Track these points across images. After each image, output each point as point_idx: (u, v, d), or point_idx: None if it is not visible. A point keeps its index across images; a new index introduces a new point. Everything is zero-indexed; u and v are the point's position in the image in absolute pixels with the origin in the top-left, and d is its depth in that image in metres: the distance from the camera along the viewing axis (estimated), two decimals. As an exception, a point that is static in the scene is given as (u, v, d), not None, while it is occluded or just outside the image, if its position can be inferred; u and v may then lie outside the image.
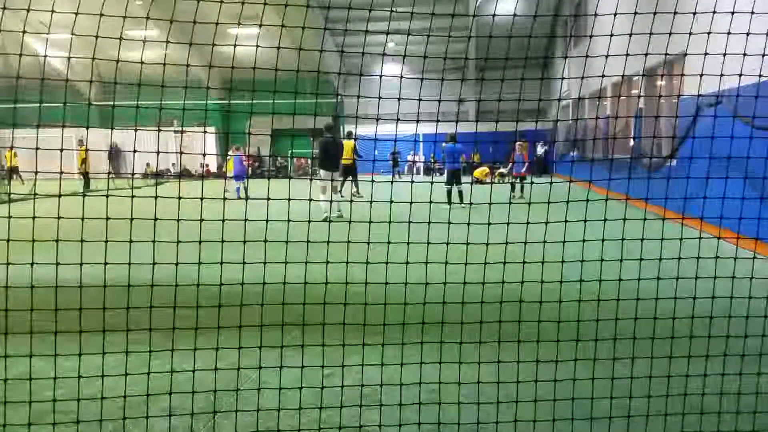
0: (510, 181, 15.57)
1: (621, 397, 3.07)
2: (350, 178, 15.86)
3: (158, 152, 2.95)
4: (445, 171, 14.13)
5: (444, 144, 13.92)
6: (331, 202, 9.88)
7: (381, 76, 3.05)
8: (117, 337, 3.15)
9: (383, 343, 3.08)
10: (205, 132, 3.79)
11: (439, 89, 2.93)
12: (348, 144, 16.08)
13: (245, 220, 2.95)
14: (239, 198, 14.68)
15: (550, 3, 25.11)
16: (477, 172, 22.21)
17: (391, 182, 3.18)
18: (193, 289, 2.98)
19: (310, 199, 2.79)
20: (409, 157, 27.26)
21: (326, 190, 11.24)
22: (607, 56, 2.93)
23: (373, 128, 19.51)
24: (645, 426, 2.90)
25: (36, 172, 2.74)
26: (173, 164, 26.77)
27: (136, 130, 2.88)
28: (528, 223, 2.87)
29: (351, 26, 21.31)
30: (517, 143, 16.26)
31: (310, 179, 3.39)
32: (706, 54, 2.94)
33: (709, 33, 2.95)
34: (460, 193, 13.32)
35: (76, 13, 2.62)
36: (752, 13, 2.97)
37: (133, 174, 3.94)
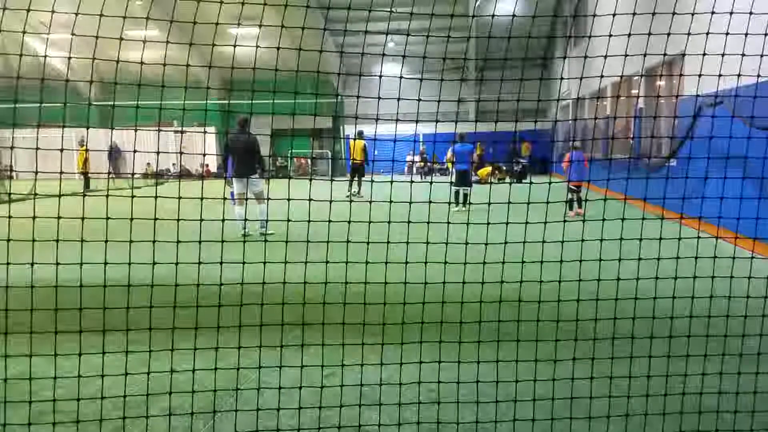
0: (570, 196, 11.84)
1: (619, 396, 3.08)
2: (356, 177, 15.92)
3: (158, 152, 2.96)
4: (454, 171, 13.40)
5: (451, 144, 13.48)
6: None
7: (381, 77, 3.05)
8: (117, 337, 3.16)
9: (382, 343, 3.08)
10: (205, 132, 3.80)
11: (439, 89, 2.93)
12: (358, 144, 16.11)
13: (245, 219, 2.94)
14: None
15: (549, 3, 25.10)
16: (481, 172, 22.28)
17: (391, 182, 3.19)
18: (193, 289, 2.99)
19: (310, 199, 2.79)
20: (408, 157, 27.26)
21: (242, 201, 9.14)
22: (606, 56, 2.93)
23: (372, 128, 19.55)
24: (643, 425, 2.91)
25: (36, 172, 2.75)
26: (173, 164, 26.78)
27: (136, 130, 2.88)
28: (525, 222, 2.88)
29: (351, 26, 21.31)
30: (575, 142, 13.26)
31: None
32: (704, 54, 2.95)
33: (707, 33, 2.96)
34: (465, 195, 13.07)
35: (76, 14, 2.63)
36: (750, 13, 2.97)
37: (133, 174, 3.95)
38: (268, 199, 3.09)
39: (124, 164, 26.25)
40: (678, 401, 2.96)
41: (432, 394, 3.22)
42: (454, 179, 13.02)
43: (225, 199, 3.17)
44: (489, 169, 22.78)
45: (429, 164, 25.60)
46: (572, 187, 11.74)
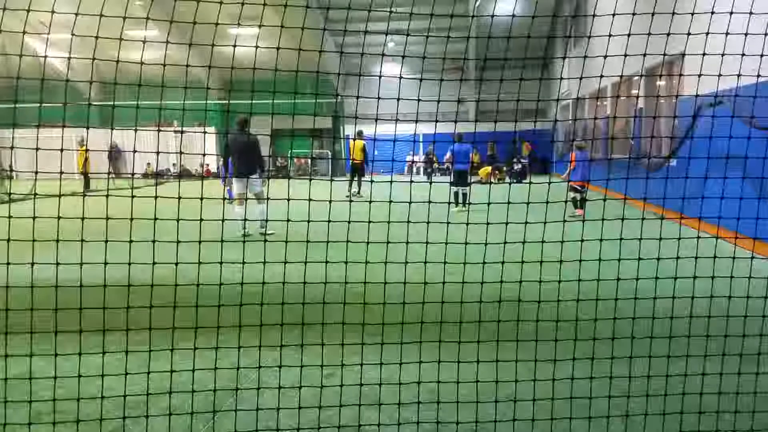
0: (573, 195, 11.75)
1: (619, 396, 3.08)
2: (356, 177, 15.95)
3: (158, 152, 2.96)
4: (452, 171, 13.33)
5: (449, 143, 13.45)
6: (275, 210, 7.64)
7: (380, 77, 3.05)
8: (117, 337, 3.16)
9: (382, 343, 3.08)
10: (205, 132, 3.80)
11: (439, 89, 2.93)
12: (357, 143, 16.16)
13: (245, 219, 2.94)
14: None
15: (549, 3, 25.10)
16: (481, 172, 22.33)
17: (391, 182, 3.19)
18: (193, 289, 2.99)
19: (310, 199, 2.79)
20: (409, 157, 27.24)
21: (242, 201, 9.20)
22: (606, 56, 2.93)
23: (372, 128, 19.54)
24: (643, 425, 2.91)
25: (36, 172, 2.75)
26: (173, 164, 26.78)
27: (136, 130, 2.88)
28: (525, 222, 2.88)
29: (351, 26, 21.31)
30: (576, 142, 12.95)
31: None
32: (704, 54, 2.95)
33: (707, 33, 2.96)
34: (465, 195, 13.04)
35: (76, 14, 2.63)
36: (750, 13, 2.97)
37: (133, 174, 3.95)
38: (268, 199, 3.09)
39: (124, 164, 26.26)
40: (678, 401, 2.96)
41: (432, 394, 3.22)
42: (452, 179, 13.00)
43: (225, 199, 3.17)
44: (489, 168, 22.80)
45: (439, 165, 25.57)
46: (577, 187, 11.64)
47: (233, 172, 9.45)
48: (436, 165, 26.79)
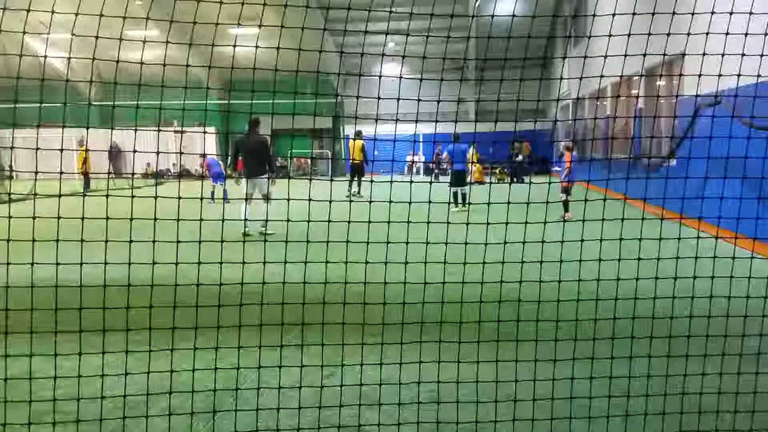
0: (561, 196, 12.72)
1: (619, 396, 3.08)
2: (356, 177, 15.95)
3: (158, 152, 2.96)
4: (450, 172, 13.37)
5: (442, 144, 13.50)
6: (274, 211, 8.00)
7: (380, 77, 3.05)
8: (117, 337, 3.16)
9: (382, 343, 3.08)
10: (205, 132, 3.80)
11: (439, 89, 2.93)
12: (357, 143, 16.17)
13: (245, 220, 2.94)
14: (213, 200, 13.26)
15: (549, 3, 25.10)
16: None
17: (390, 182, 3.18)
18: (193, 289, 2.99)
19: (310, 199, 2.79)
20: (408, 157, 27.22)
21: (249, 201, 9.23)
22: (606, 56, 2.93)
23: (372, 128, 19.53)
24: (643, 425, 2.91)
25: (36, 172, 2.75)
26: (173, 164, 26.77)
27: (136, 130, 2.88)
28: (525, 223, 2.88)
29: (351, 26, 21.30)
30: (563, 143, 12.53)
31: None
32: (704, 54, 2.95)
33: (707, 33, 2.96)
34: (464, 195, 13.06)
35: (76, 14, 2.63)
36: (750, 13, 2.97)
37: (133, 174, 3.95)
38: (269, 199, 3.09)
39: (124, 164, 26.25)
40: (678, 401, 2.96)
41: (432, 394, 3.22)
42: (450, 180, 13.02)
43: (224, 199, 3.16)
44: (480, 167, 22.63)
45: (443, 164, 25.48)
46: (566, 188, 11.54)
47: (242, 172, 9.52)
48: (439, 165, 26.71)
